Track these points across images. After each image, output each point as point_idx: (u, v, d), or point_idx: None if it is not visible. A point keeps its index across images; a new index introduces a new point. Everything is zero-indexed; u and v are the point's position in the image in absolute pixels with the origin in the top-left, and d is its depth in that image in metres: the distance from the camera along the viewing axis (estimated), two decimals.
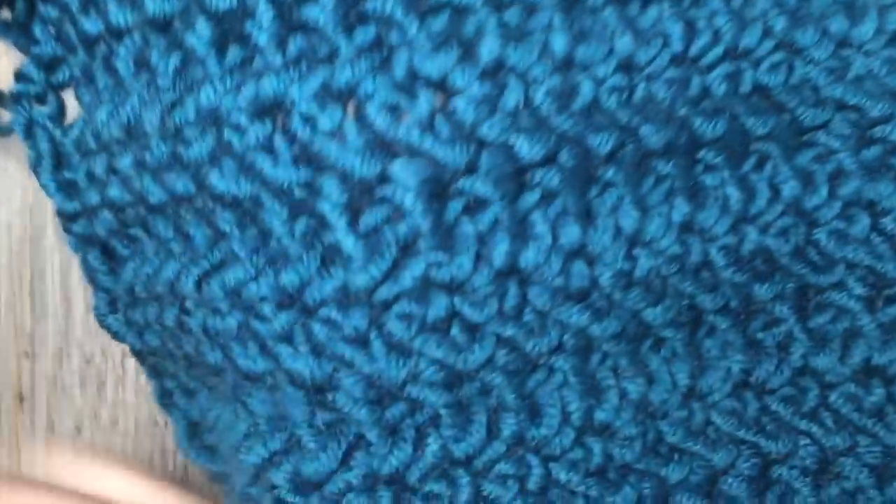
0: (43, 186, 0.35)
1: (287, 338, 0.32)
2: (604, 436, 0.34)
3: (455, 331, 0.32)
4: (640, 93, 0.33)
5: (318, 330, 0.32)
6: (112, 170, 0.33)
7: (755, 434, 0.34)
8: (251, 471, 0.33)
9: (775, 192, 0.34)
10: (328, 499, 0.32)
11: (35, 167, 0.35)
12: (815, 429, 0.35)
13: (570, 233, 0.32)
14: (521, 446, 0.33)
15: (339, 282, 0.31)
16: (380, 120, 0.30)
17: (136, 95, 0.32)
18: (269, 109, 0.30)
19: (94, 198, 0.34)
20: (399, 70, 0.31)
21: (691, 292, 0.34)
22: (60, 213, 0.35)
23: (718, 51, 0.34)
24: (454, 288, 0.31)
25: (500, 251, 0.31)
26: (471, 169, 0.31)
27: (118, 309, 0.36)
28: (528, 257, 0.31)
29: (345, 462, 0.32)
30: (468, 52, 0.31)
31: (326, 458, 0.32)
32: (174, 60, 0.31)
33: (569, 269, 0.32)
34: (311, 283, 0.31)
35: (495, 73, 0.31)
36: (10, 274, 0.39)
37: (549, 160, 0.31)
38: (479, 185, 0.31)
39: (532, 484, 0.33)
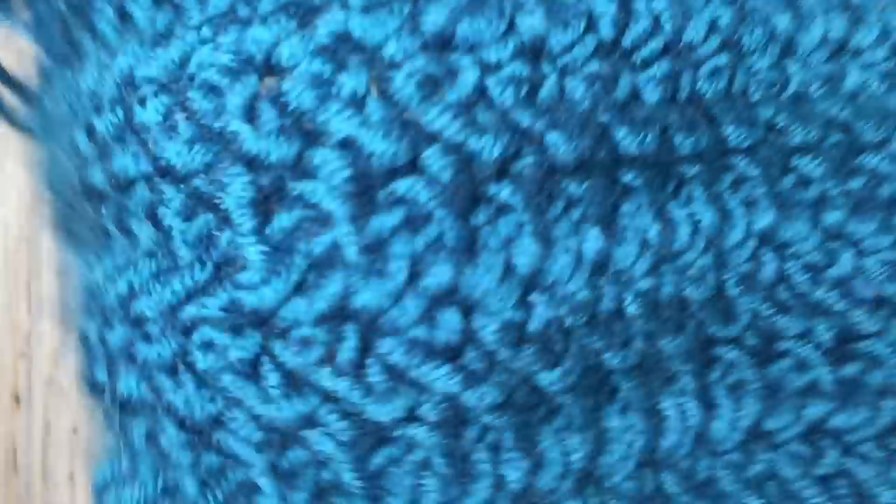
0: None
1: (170, 366, 0.26)
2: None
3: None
4: (548, 89, 0.27)
5: (201, 357, 0.26)
6: None
7: None
8: None
9: (695, 225, 0.29)
10: None
11: None
12: None
13: (440, 272, 0.26)
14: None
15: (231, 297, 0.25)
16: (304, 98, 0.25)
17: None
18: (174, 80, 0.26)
19: None
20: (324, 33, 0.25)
21: (599, 348, 0.28)
22: None
23: (657, 44, 0.28)
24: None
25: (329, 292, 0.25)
26: None
27: None
28: (370, 298, 0.25)
29: None
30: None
31: None
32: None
33: (433, 318, 0.26)
34: (198, 296, 0.26)
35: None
36: (7, 274, 0.39)
37: (413, 169, 0.25)
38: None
39: None
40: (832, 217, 0.30)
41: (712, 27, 0.30)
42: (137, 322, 0.27)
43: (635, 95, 0.29)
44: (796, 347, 0.30)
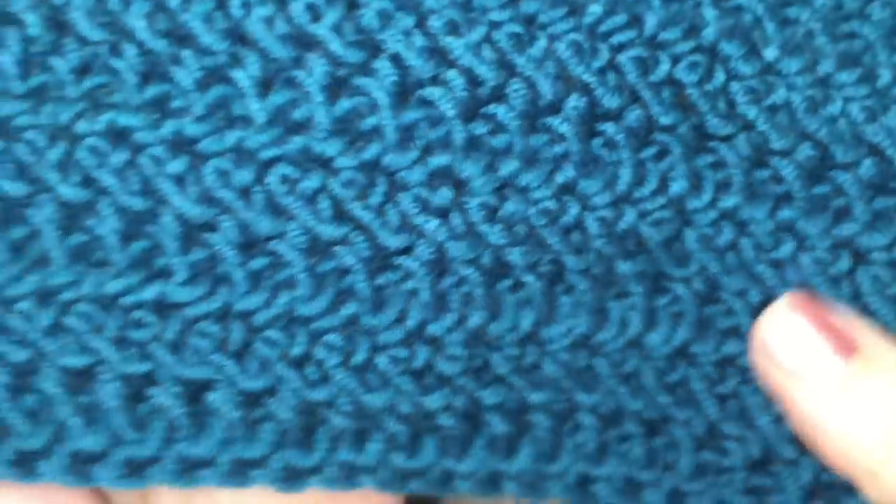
0: None
1: None
2: (431, 346, 0.36)
3: (324, 204, 0.35)
4: (538, 48, 0.36)
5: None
6: None
7: (573, 385, 0.37)
8: None
9: (663, 184, 0.36)
10: None
11: None
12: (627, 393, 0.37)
13: (442, 156, 0.35)
14: (355, 329, 0.36)
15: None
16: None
17: None
18: None
19: None
20: None
21: (558, 249, 0.36)
22: None
23: (633, 33, 0.36)
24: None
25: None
26: (362, 70, 0.35)
27: None
28: (394, 160, 0.35)
29: None
30: None
31: None
32: None
33: (436, 186, 0.35)
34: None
35: None
36: None
37: (436, 82, 0.35)
38: (372, 85, 0.35)
39: (354, 361, 0.36)
40: (788, 213, 0.37)
41: (692, 29, 0.36)
42: None
43: (612, 66, 0.36)
44: (732, 300, 0.37)
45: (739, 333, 0.37)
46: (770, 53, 0.36)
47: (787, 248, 0.37)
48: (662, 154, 0.37)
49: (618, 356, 0.37)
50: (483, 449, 0.36)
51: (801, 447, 0.37)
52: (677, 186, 0.36)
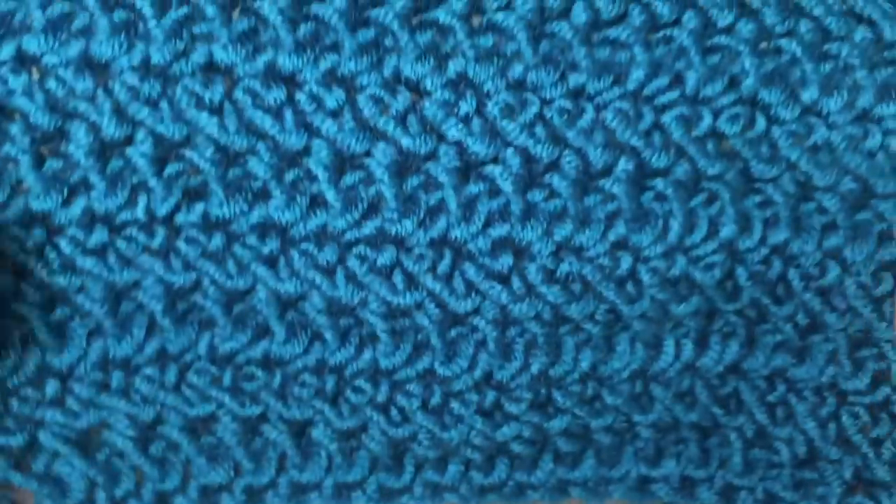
0: None
1: None
2: (498, 390, 0.41)
3: (398, 278, 0.39)
4: (586, 119, 0.38)
5: None
6: None
7: (631, 409, 0.41)
8: None
9: (713, 230, 0.39)
10: None
11: None
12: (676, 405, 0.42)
13: (502, 227, 0.39)
14: (431, 378, 0.41)
15: None
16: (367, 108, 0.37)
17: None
18: (281, 78, 0.37)
19: None
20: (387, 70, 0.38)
21: (613, 300, 0.40)
22: None
23: (676, 93, 0.38)
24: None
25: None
26: (430, 157, 0.38)
27: None
28: (458, 233, 0.39)
29: None
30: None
31: None
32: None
33: (497, 254, 0.39)
34: None
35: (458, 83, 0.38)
36: None
37: (496, 161, 0.38)
38: (437, 168, 0.38)
39: (431, 404, 0.41)
40: (834, 241, 0.40)
41: (732, 82, 0.38)
42: None
43: (657, 126, 0.38)
44: (781, 324, 0.41)
45: (788, 348, 0.41)
46: (809, 95, 0.38)
47: (833, 273, 0.40)
48: (711, 200, 0.39)
49: (673, 380, 0.41)
50: (551, 462, 0.42)
51: (844, 448, 0.42)
52: (727, 230, 0.39)
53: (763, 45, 0.39)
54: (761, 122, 0.39)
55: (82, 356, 0.39)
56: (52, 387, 0.39)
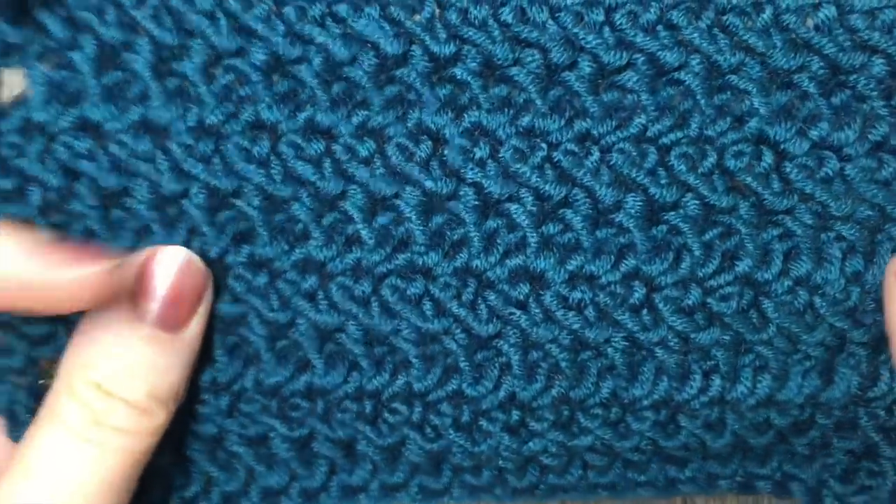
0: None
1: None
2: (523, 409, 0.44)
3: (427, 306, 0.43)
4: (592, 160, 0.41)
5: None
6: None
7: (657, 434, 0.44)
8: None
9: (730, 262, 0.42)
10: None
11: None
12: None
13: (518, 259, 0.42)
14: (460, 398, 0.44)
15: None
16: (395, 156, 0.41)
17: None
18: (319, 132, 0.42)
19: None
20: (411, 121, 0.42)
21: (630, 327, 0.42)
22: None
23: (681, 133, 0.41)
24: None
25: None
26: (451, 197, 0.42)
27: None
28: (481, 263, 0.42)
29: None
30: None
31: None
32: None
33: (516, 282, 0.42)
34: None
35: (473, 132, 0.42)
36: None
37: (511, 199, 0.42)
38: (459, 207, 0.42)
39: (461, 423, 0.44)
40: (856, 265, 0.42)
41: (740, 120, 0.40)
42: None
43: (662, 164, 0.41)
44: (814, 351, 0.43)
45: (817, 371, 0.43)
46: (818, 133, 0.40)
47: (855, 295, 0.42)
48: (728, 234, 0.42)
49: (701, 412, 0.44)
50: (580, 468, 0.45)
51: (862, 437, 0.44)
52: (744, 264, 0.42)
53: (773, 82, 0.40)
54: (768, 158, 0.41)
55: None
56: None
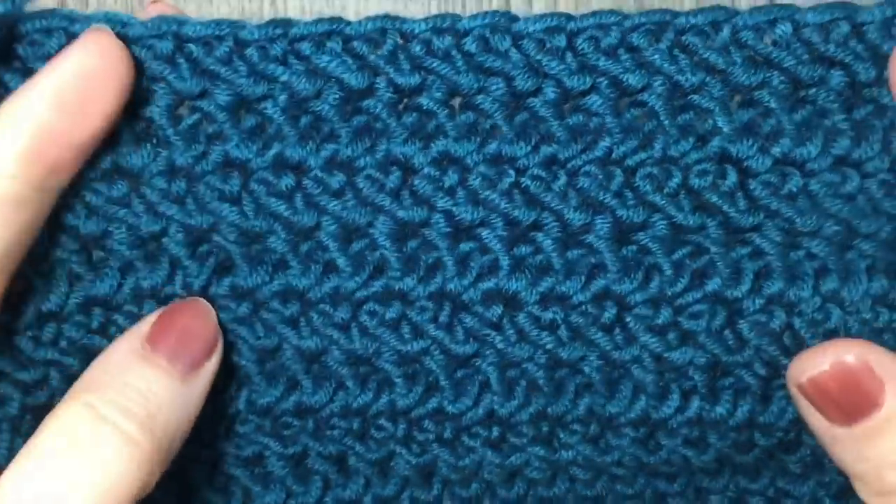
0: None
1: None
2: (503, 425, 0.45)
3: (405, 329, 0.44)
4: (560, 183, 0.42)
5: None
6: None
7: (637, 451, 0.45)
8: None
9: (700, 280, 0.42)
10: None
11: None
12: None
13: (490, 282, 0.43)
14: (442, 415, 0.45)
15: None
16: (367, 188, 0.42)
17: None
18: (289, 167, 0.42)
19: None
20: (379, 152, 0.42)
21: (604, 346, 0.43)
22: None
23: (645, 155, 0.41)
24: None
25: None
26: (424, 224, 0.43)
27: None
28: (454, 286, 0.43)
29: None
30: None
31: None
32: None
33: (488, 304, 0.43)
34: None
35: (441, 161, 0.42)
36: None
37: (482, 224, 0.42)
38: (432, 233, 0.43)
39: (445, 438, 0.46)
40: (831, 283, 0.42)
41: (700, 139, 0.41)
42: None
43: (628, 186, 0.42)
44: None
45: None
46: (780, 149, 0.41)
47: (835, 316, 0.42)
48: (698, 253, 0.42)
49: (679, 431, 0.44)
50: (566, 481, 0.47)
51: None
52: (713, 283, 0.42)
53: (734, 100, 0.41)
54: (732, 176, 0.41)
55: None
56: None
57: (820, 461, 0.45)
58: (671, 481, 0.46)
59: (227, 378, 0.45)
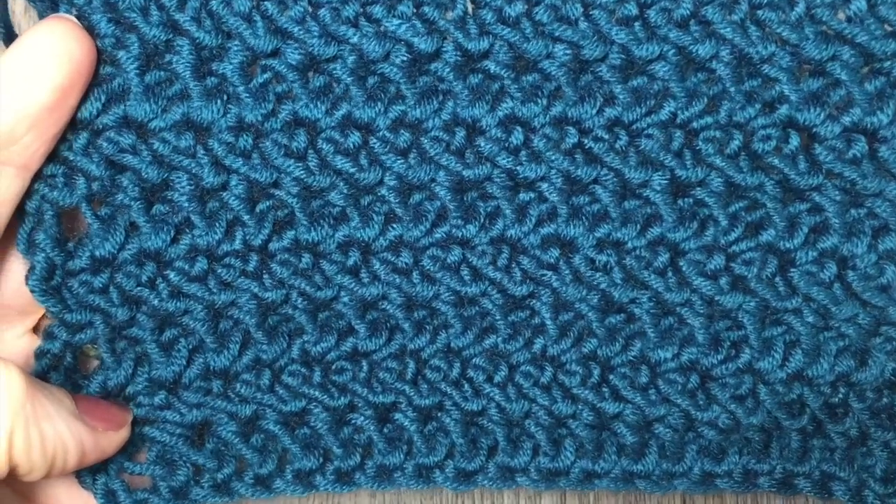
0: None
1: None
2: (554, 364, 0.46)
3: (465, 272, 0.45)
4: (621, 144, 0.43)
5: None
6: None
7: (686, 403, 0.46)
8: None
9: (755, 232, 0.44)
10: None
11: None
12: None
13: (550, 228, 0.44)
14: (496, 354, 0.46)
15: None
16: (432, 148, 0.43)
17: None
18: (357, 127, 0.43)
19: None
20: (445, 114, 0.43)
21: (656, 287, 0.45)
22: None
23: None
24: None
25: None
26: (486, 180, 0.44)
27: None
28: (514, 232, 0.44)
29: None
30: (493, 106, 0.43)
31: None
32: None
33: (546, 248, 0.44)
34: None
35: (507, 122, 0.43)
36: None
37: (542, 179, 0.43)
38: (493, 187, 0.44)
39: (496, 379, 0.46)
40: (889, 243, 0.44)
41: (769, 106, 0.42)
42: None
43: (688, 147, 0.43)
44: (846, 329, 0.45)
45: (850, 351, 0.45)
46: (849, 118, 0.42)
47: (889, 273, 0.43)
48: (753, 207, 0.44)
49: (733, 380, 0.46)
50: (615, 454, 0.47)
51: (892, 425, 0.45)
52: (767, 234, 0.44)
53: (802, 70, 0.42)
54: (794, 140, 0.42)
55: (185, 368, 0.46)
56: (160, 396, 0.46)
57: (865, 433, 0.46)
58: (720, 461, 0.47)
59: (276, 332, 0.46)
